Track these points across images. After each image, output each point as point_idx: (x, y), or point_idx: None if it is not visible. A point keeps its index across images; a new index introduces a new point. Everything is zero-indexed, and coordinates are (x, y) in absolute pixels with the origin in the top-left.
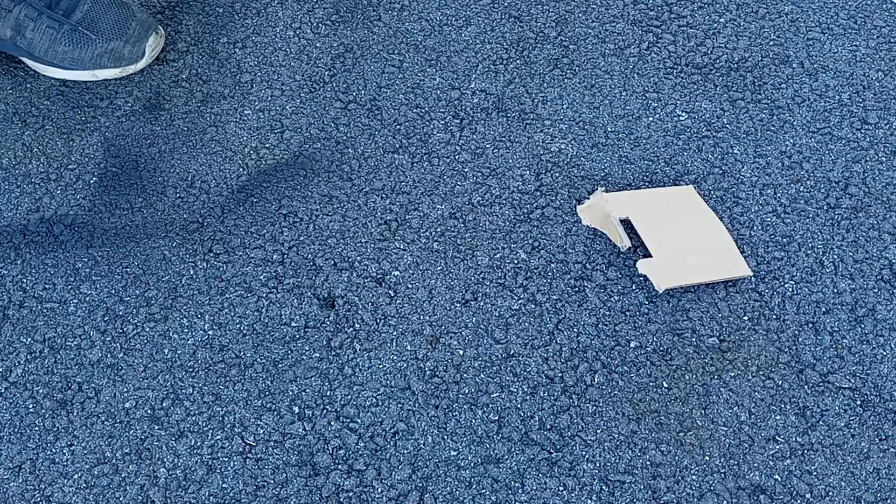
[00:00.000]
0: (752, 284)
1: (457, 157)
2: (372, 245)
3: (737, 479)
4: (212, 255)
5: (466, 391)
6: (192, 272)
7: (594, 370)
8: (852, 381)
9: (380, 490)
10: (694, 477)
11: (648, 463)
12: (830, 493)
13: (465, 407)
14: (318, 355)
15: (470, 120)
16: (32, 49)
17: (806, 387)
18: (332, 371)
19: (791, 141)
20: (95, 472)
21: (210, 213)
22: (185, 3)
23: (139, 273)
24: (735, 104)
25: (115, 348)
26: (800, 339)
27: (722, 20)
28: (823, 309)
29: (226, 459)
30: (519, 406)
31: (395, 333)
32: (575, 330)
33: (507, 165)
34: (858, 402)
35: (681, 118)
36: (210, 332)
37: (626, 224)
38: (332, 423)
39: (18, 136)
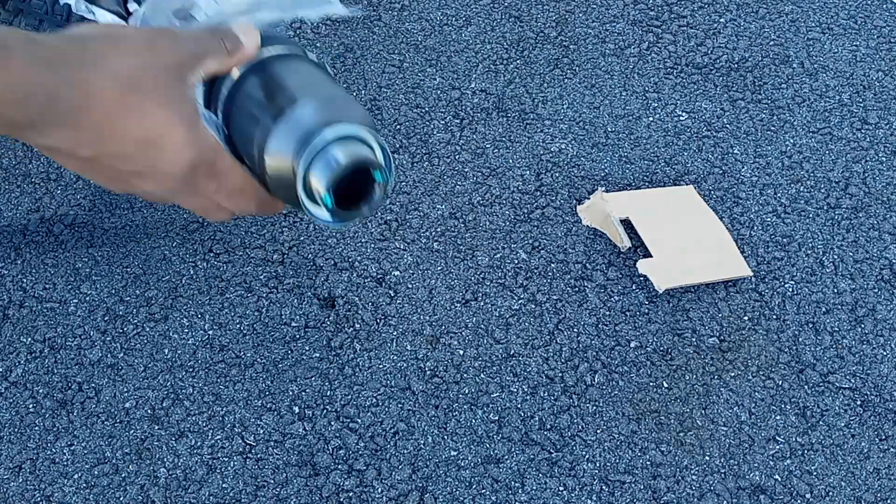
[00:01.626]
0: (753, 284)
1: (457, 156)
2: (372, 245)
3: (737, 479)
4: (212, 254)
5: (466, 391)
6: (192, 272)
7: (594, 370)
8: (852, 381)
9: (380, 490)
10: (694, 477)
11: (648, 463)
12: (830, 493)
13: (465, 407)
14: (318, 355)
15: (470, 120)
16: None
17: (806, 387)
18: (332, 371)
19: (791, 141)
20: (95, 472)
21: None
22: None
23: (139, 273)
24: (735, 104)
25: (115, 348)
26: (800, 339)
27: (722, 20)
28: (823, 309)
29: (226, 459)
30: (519, 406)
31: (395, 333)
32: (575, 330)
33: (507, 165)
34: (858, 402)
35: (681, 118)
36: (210, 332)
37: (627, 224)
38: (333, 423)
39: None
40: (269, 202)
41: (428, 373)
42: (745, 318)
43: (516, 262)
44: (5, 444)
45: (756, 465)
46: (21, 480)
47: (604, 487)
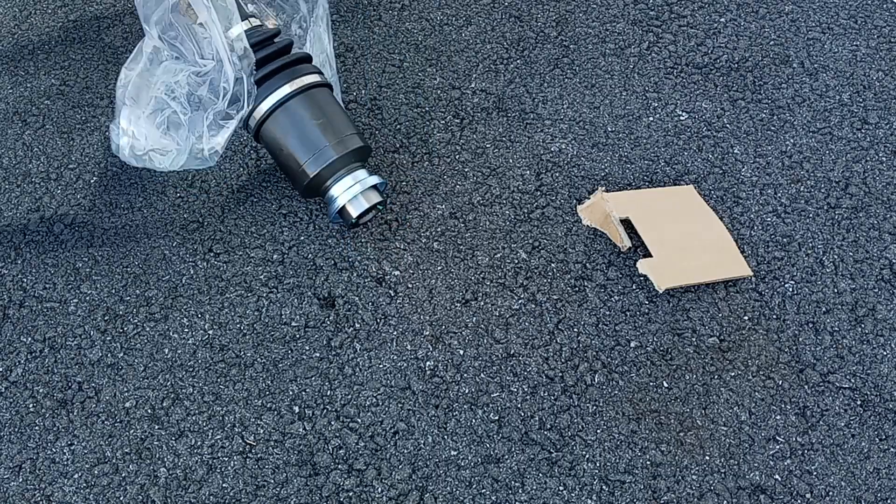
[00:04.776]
0: (753, 284)
1: (457, 156)
2: (372, 245)
3: (737, 478)
4: (212, 254)
5: (466, 391)
6: (192, 272)
7: (594, 370)
8: (852, 380)
9: (380, 490)
10: (694, 477)
11: (648, 463)
12: (830, 493)
13: (465, 407)
14: (318, 355)
15: (470, 119)
16: None
17: (806, 387)
18: (332, 371)
19: (791, 141)
20: (95, 472)
21: (210, 213)
22: None
23: (139, 272)
24: (735, 104)
25: (115, 348)
26: (800, 339)
27: (722, 20)
28: (824, 309)
29: (226, 459)
30: (519, 406)
31: (395, 333)
32: (575, 330)
33: (507, 165)
34: (859, 402)
35: (681, 118)
36: (210, 332)
37: (627, 224)
38: (333, 422)
39: (19, 135)
40: None
41: (428, 373)
42: (745, 317)
43: (516, 261)
44: (5, 444)
45: (756, 464)
46: (21, 480)
47: (604, 487)
